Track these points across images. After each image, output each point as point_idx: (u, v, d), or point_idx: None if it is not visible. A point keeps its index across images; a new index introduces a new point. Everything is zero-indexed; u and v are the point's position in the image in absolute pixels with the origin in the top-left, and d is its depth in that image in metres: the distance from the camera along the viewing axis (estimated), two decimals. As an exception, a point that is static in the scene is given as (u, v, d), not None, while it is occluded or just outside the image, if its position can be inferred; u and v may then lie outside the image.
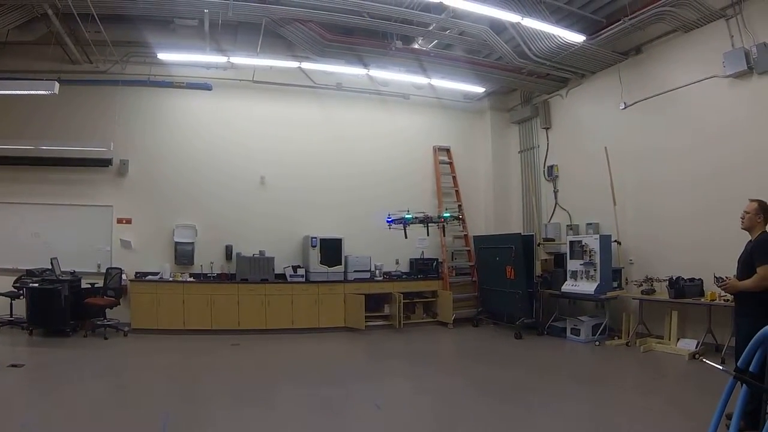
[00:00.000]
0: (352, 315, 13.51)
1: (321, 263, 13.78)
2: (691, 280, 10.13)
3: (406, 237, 12.12)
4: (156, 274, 13.19)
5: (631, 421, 6.63)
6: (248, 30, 12.59)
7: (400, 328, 13.57)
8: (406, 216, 11.69)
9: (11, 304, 12.26)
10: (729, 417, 4.20)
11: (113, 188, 13.59)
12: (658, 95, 11.49)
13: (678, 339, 10.29)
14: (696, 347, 9.78)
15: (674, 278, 10.19)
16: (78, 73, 13.38)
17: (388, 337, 13.08)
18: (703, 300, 9.82)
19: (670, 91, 11.21)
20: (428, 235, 13.18)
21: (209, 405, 7.50)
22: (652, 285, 10.92)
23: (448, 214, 12.48)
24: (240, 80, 14.18)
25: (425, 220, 12.13)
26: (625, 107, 12.20)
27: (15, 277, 12.23)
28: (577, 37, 11.29)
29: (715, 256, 9.70)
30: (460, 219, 13.08)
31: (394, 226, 12.15)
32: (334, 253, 13.92)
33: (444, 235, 13.42)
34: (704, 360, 9.30)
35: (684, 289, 10.06)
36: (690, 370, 9.20)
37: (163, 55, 12.96)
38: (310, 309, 13.45)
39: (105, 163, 13.38)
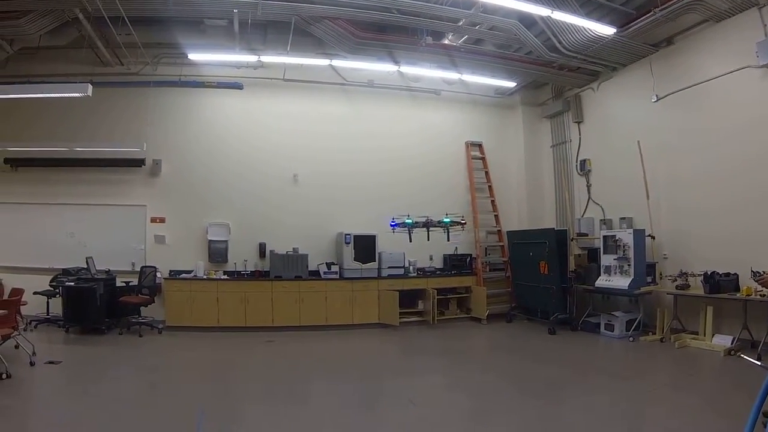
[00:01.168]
0: (386, 311, 13.52)
1: (355, 260, 13.79)
2: (727, 274, 9.97)
3: (410, 240, 12.74)
4: (190, 272, 13.32)
5: (667, 418, 6.55)
6: (278, 28, 12.61)
7: (434, 324, 13.51)
8: (407, 221, 12.08)
9: (48, 302, 12.49)
10: (766, 415, 4.14)
11: (146, 188, 13.80)
12: (690, 87, 11.28)
13: (713, 335, 10.12)
14: (731, 343, 9.62)
15: (709, 273, 10.02)
16: (110, 75, 13.55)
17: (422, 333, 13.12)
18: (738, 295, 9.61)
19: (702, 82, 11.00)
20: (428, 239, 13.13)
21: (244, 401, 7.56)
22: (686, 280, 10.73)
23: (448, 220, 12.57)
24: (271, 79, 14.21)
25: (427, 224, 12.31)
26: (657, 100, 12.02)
27: (51, 276, 12.44)
28: (607, 30, 11.14)
29: (751, 250, 9.67)
30: (462, 224, 13.01)
31: (398, 230, 12.50)
32: (367, 250, 13.89)
33: (449, 240, 13.30)
34: (742, 355, 9.28)
35: (719, 283, 9.90)
36: (725, 366, 9.05)
37: (193, 56, 13.09)
38: (344, 306, 13.48)
39: (138, 163, 13.60)
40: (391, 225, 12.61)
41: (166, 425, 6.42)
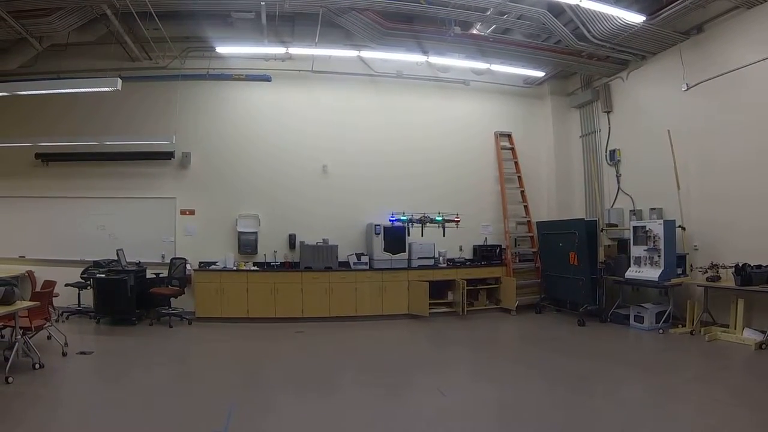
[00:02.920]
0: (415, 302, 13.53)
1: (385, 251, 13.80)
2: (758, 266, 9.81)
3: (408, 234, 13.19)
4: (216, 263, 13.52)
5: (699, 413, 6.54)
6: (306, 20, 12.61)
7: (463, 315, 13.50)
8: (402, 218, 12.36)
9: (79, 294, 12.78)
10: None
11: (176, 180, 13.97)
12: (721, 75, 11.11)
13: (744, 328, 10.02)
14: (763, 337, 9.49)
15: (740, 265, 9.89)
16: (138, 69, 13.76)
17: (452, 323, 13.08)
18: (770, 288, 9.50)
19: (734, 70, 10.82)
20: (422, 235, 13.40)
21: (274, 392, 7.69)
22: (717, 272, 10.60)
23: (440, 218, 12.75)
24: (299, 71, 14.30)
25: (422, 221, 12.47)
26: (688, 88, 11.85)
27: (82, 268, 12.68)
28: (636, 18, 10.99)
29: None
30: (456, 221, 13.01)
31: (395, 224, 12.99)
32: (397, 241, 13.87)
33: (444, 235, 13.31)
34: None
35: (751, 276, 9.73)
36: (757, 360, 8.94)
37: (221, 49, 13.16)
38: (374, 296, 13.51)
39: (167, 156, 13.75)
40: (390, 220, 12.79)
41: (196, 414, 6.55)
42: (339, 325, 12.76)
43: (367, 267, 13.77)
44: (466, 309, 13.60)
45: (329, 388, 7.91)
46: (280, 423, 6.31)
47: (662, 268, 11.17)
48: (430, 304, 13.41)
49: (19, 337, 8.16)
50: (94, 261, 12.62)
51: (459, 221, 13.29)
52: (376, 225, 13.84)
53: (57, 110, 13.37)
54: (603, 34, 11.67)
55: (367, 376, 8.60)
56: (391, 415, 6.66)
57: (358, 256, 13.89)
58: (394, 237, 13.84)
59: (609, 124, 14.49)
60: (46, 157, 13.58)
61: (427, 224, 13.06)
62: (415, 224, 13.03)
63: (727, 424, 6.01)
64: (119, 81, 10.88)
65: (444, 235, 13.24)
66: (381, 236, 13.81)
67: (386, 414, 6.69)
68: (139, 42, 13.04)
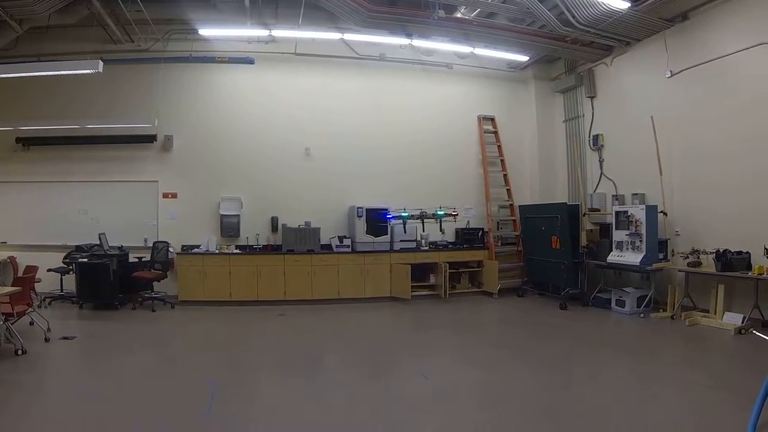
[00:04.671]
0: (398, 285, 13.60)
1: (367, 233, 13.80)
2: (739, 252, 9.96)
3: (405, 231, 13.09)
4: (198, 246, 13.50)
5: (678, 396, 6.64)
6: (289, 2, 12.64)
7: (445, 298, 13.63)
8: (403, 214, 12.18)
9: (61, 279, 12.74)
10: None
11: (158, 164, 13.90)
12: (705, 63, 11.14)
13: (724, 313, 10.13)
14: (742, 322, 9.63)
15: (721, 251, 10.05)
16: (120, 52, 13.63)
17: (434, 306, 13.15)
18: (750, 274, 9.61)
19: (718, 58, 10.86)
20: (423, 231, 13.58)
21: (256, 374, 7.73)
22: (698, 257, 10.72)
23: (442, 212, 12.55)
24: (282, 53, 14.21)
25: (422, 217, 12.38)
26: (672, 75, 11.88)
27: (64, 253, 12.61)
28: (621, 4, 10.95)
29: (764, 229, 9.63)
30: (454, 216, 13.07)
31: (393, 222, 12.93)
32: (379, 223, 13.86)
33: (442, 231, 13.30)
34: (754, 332, 9.30)
35: (731, 261, 9.90)
36: (736, 345, 9.05)
37: (204, 31, 13.04)
38: (356, 279, 13.56)
39: (150, 139, 13.68)
40: (389, 218, 12.82)
41: (180, 397, 6.57)
42: (321, 307, 12.79)
43: (350, 250, 13.80)
44: (448, 292, 13.75)
45: (312, 371, 7.94)
46: (263, 405, 6.39)
47: (644, 253, 11.26)
48: (412, 286, 13.51)
49: (1, 323, 8.14)
50: (76, 245, 12.52)
51: (456, 215, 13.30)
52: (358, 208, 13.83)
53: (38, 94, 13.24)
54: (588, 19, 11.66)
55: (349, 358, 8.64)
56: (373, 398, 6.69)
57: (341, 238, 13.91)
58: (377, 220, 13.80)
59: (593, 109, 14.53)
60: (27, 141, 13.47)
61: (426, 220, 13.09)
62: (415, 220, 13.05)
63: (705, 406, 6.12)
64: (101, 63, 10.77)
65: (442, 231, 13.17)
66: (363, 219, 13.80)
67: (369, 397, 6.72)
68: (121, 24, 12.89)
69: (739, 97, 10.49)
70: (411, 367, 8.14)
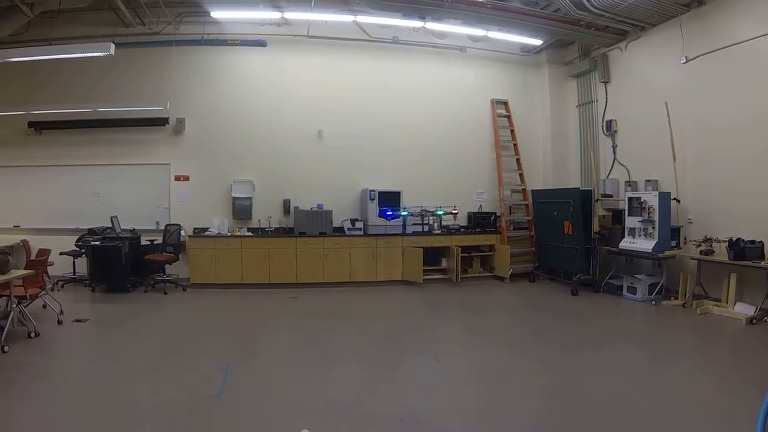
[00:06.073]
0: (409, 268, 13.61)
1: (379, 216, 13.78)
2: (752, 242, 9.86)
3: (404, 230, 13.38)
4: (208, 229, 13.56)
5: (690, 385, 6.61)
6: (302, -16, 12.51)
7: (457, 282, 13.63)
8: (403, 213, 12.59)
9: (74, 262, 12.82)
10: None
11: (170, 147, 13.94)
12: (721, 49, 10.98)
13: (735, 302, 10.09)
14: (754, 312, 9.57)
15: (734, 239, 9.97)
16: (132, 35, 13.63)
17: (446, 290, 13.19)
18: (763, 263, 9.52)
19: (734, 44, 10.70)
20: (423, 228, 13.68)
21: (268, 356, 7.85)
22: (711, 245, 10.66)
23: (441, 212, 12.84)
24: (295, 36, 14.16)
25: (422, 215, 12.63)
26: (687, 61, 11.73)
27: (77, 236, 12.71)
28: (637, -13, 10.93)
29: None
30: (454, 214, 13.09)
31: (393, 221, 13.24)
32: (392, 206, 13.83)
33: (440, 229, 13.32)
34: (768, 320, 9.25)
35: (744, 250, 9.81)
36: (748, 334, 9.01)
37: (216, 14, 13.01)
38: (368, 262, 13.60)
39: (162, 122, 13.71)
40: (389, 216, 12.95)
41: (192, 378, 6.65)
42: (333, 290, 12.89)
43: (362, 233, 13.80)
44: (459, 276, 13.74)
45: (323, 353, 7.95)
46: (275, 387, 6.44)
47: (656, 240, 11.17)
48: (424, 270, 13.50)
49: (15, 305, 8.22)
50: (88, 229, 12.64)
51: (457, 213, 13.35)
52: (371, 190, 13.83)
53: (49, 78, 13.31)
54: (603, 3, 11.53)
55: (361, 341, 8.71)
56: (385, 381, 6.74)
57: (353, 221, 13.91)
58: (389, 202, 13.79)
59: (606, 94, 14.40)
60: (40, 126, 13.55)
61: (428, 218, 13.12)
62: (415, 219, 13.10)
63: (712, 395, 6.13)
64: (112, 45, 10.81)
65: (440, 229, 13.17)
66: (376, 202, 13.78)
67: (381, 381, 6.76)
68: (132, 7, 12.94)
69: (755, 83, 10.32)
70: (423, 350, 8.13)
